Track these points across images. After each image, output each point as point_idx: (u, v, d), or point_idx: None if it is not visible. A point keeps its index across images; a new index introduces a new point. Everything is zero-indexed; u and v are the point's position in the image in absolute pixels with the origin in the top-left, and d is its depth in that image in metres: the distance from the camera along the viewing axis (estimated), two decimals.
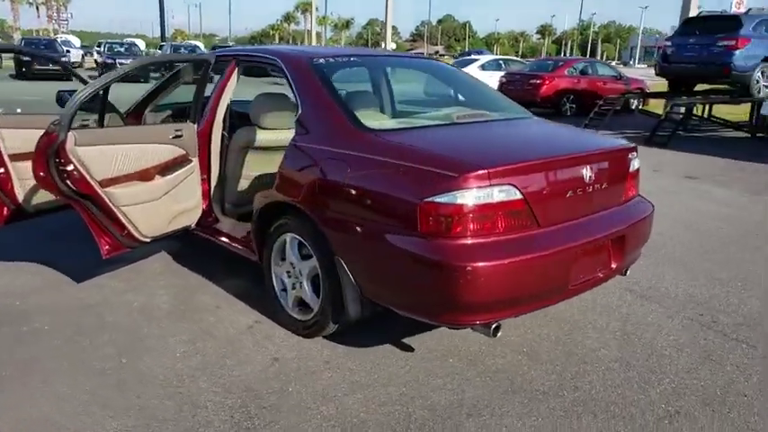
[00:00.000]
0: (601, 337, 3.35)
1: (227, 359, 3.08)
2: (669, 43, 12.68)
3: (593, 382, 2.90)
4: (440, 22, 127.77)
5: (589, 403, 2.73)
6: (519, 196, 2.60)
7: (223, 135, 3.98)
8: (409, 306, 2.77)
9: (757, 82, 11.82)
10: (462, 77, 4.42)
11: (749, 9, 13.42)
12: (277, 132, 4.08)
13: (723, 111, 13.70)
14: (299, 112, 3.26)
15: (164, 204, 3.62)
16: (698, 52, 11.90)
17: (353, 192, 2.81)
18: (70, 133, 3.04)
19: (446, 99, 4.27)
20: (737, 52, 11.41)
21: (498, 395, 2.77)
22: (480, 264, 2.48)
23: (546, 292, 2.73)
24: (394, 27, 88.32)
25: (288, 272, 3.31)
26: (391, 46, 40.23)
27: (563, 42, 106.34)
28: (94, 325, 3.39)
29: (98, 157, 3.20)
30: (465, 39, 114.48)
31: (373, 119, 3.15)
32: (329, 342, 3.22)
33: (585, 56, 75.30)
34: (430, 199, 2.54)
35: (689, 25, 12.63)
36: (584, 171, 2.86)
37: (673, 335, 3.40)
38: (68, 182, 3.13)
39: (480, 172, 2.53)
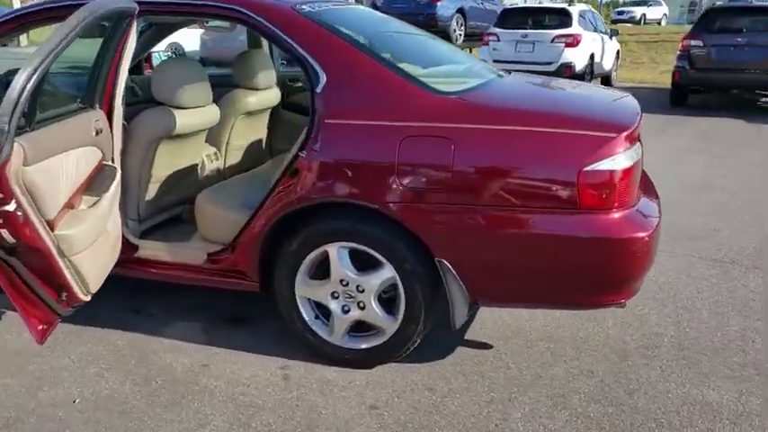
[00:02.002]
0: None
1: None
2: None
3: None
4: None
5: None
6: (635, 160, 2.36)
7: (123, 125, 2.78)
8: (541, 296, 2.36)
9: (454, 31, 13.41)
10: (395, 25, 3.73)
11: None
12: (201, 113, 3.03)
13: None
14: (323, 80, 2.41)
15: (107, 238, 2.40)
16: (407, 4, 12.92)
17: (468, 175, 2.23)
18: (16, 144, 1.73)
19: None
20: (439, 5, 12.77)
21: None
22: (643, 235, 2.22)
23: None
24: None
25: (334, 293, 2.51)
26: None
27: None
28: None
29: (46, 180, 1.91)
30: None
31: (433, 79, 2.51)
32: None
33: None
34: (592, 167, 2.15)
35: None
36: None
37: None
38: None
39: (629, 131, 2.25)
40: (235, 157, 3.68)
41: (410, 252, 2.36)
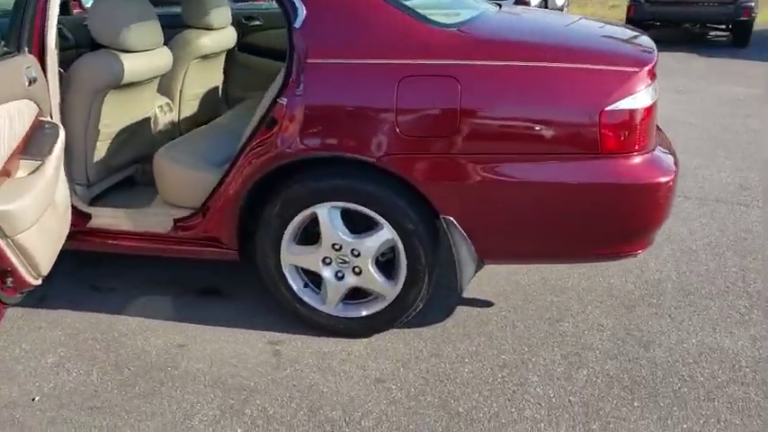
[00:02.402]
0: None
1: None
2: None
3: None
4: None
5: None
6: (655, 99, 2.15)
7: (60, 73, 2.37)
8: (556, 251, 2.17)
9: None
10: None
11: None
12: (151, 57, 2.65)
13: None
14: (302, 14, 2.08)
15: (55, 210, 2.04)
16: None
17: (477, 120, 1.98)
18: None
19: None
20: None
21: None
22: (666, 179, 2.04)
23: None
24: None
25: (325, 259, 2.24)
26: None
27: None
28: None
29: None
30: None
31: (425, 9, 2.19)
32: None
33: None
34: (614, 105, 1.93)
35: None
36: None
37: None
38: None
39: (650, 66, 2.03)
40: (190, 108, 3.30)
41: (412, 210, 2.11)
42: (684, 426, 1.93)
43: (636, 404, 2.02)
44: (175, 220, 2.43)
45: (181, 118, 3.22)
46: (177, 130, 3.16)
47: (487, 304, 2.58)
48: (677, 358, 2.23)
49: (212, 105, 3.45)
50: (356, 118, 2.05)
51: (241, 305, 2.57)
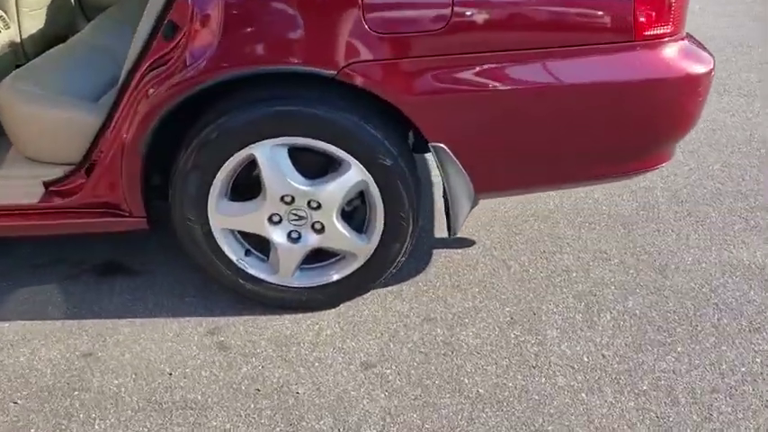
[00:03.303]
0: None
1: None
2: None
3: None
4: None
5: None
6: None
7: None
8: (572, 171, 1.71)
9: None
10: None
11: None
12: None
13: None
14: None
15: None
16: None
17: (477, 6, 1.42)
18: None
19: None
20: None
21: None
22: (707, 70, 1.61)
23: None
24: None
25: (272, 216, 1.67)
26: None
27: None
28: None
29: None
30: None
31: None
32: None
33: None
34: None
35: None
36: None
37: None
38: None
39: None
40: (34, 22, 2.45)
41: (389, 140, 1.57)
42: (743, 369, 1.61)
43: (679, 349, 1.67)
44: (46, 184, 1.74)
45: (24, 37, 2.38)
46: (20, 53, 2.34)
47: (467, 242, 2.13)
48: (701, 282, 1.91)
49: (65, 17, 2.61)
50: (306, 13, 1.43)
51: (159, 284, 1.95)
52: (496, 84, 1.48)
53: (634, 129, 1.59)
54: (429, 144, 1.56)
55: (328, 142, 1.56)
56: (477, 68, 1.46)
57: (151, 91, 1.55)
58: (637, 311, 1.80)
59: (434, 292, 1.90)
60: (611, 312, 1.80)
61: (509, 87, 1.49)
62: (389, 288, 1.90)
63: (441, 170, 1.60)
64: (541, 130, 1.57)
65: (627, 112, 1.56)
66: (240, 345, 1.72)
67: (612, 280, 1.93)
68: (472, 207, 1.73)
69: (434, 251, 2.09)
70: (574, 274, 1.96)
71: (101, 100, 1.89)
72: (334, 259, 1.79)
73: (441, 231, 2.18)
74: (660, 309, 1.81)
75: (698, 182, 2.44)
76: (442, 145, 1.55)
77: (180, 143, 1.63)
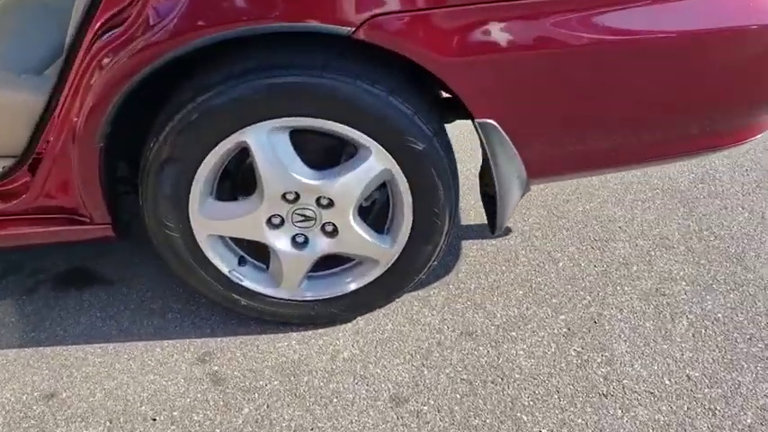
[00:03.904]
0: None
1: None
2: None
3: None
4: None
5: None
6: None
7: None
8: (650, 148, 1.35)
9: None
10: None
11: None
12: None
13: None
14: None
15: None
16: None
17: None
18: None
19: None
20: None
21: None
22: None
23: None
24: None
25: (272, 218, 1.32)
26: None
27: None
28: None
29: None
30: None
31: None
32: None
33: None
34: None
35: None
36: None
37: None
38: None
39: None
40: None
41: (422, 116, 1.21)
42: None
43: None
44: None
45: None
46: None
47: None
48: None
49: None
50: None
51: (135, 297, 1.61)
52: (572, 35, 1.11)
53: (738, 88, 1.24)
54: (475, 121, 1.20)
55: (341, 122, 1.20)
56: (545, 18, 1.10)
57: (106, 61, 1.18)
58: (719, 315, 1.49)
59: (469, 297, 1.57)
60: (687, 317, 1.48)
61: (590, 39, 1.12)
62: (414, 293, 1.57)
63: (487, 153, 1.24)
64: (628, 95, 1.21)
65: (739, 66, 1.20)
66: (239, 376, 1.38)
67: (682, 274, 1.61)
68: (522, 196, 1.39)
69: (463, 243, 1.75)
70: (634, 268, 1.63)
71: (46, 72, 1.51)
72: (348, 264, 1.45)
73: (467, 217, 1.85)
74: (747, 310, 1.49)
75: (761, 145, 2.10)
76: (491, 121, 1.19)
77: (154, 129, 1.26)
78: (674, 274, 1.61)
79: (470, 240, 1.76)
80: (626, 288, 1.57)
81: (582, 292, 1.57)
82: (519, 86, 1.18)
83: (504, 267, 1.66)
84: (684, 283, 1.58)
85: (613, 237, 1.75)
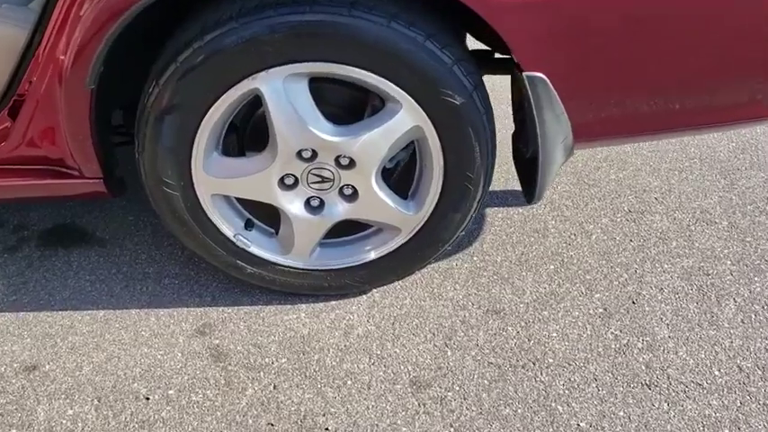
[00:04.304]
0: None
1: None
2: None
3: None
4: None
5: None
6: None
7: None
8: (702, 112, 1.20)
9: None
10: None
11: None
12: None
13: None
14: None
15: None
16: None
17: None
18: None
19: None
20: None
21: None
22: None
23: None
24: None
25: (284, 178, 1.16)
26: None
27: None
28: None
29: None
30: None
31: None
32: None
33: None
34: None
35: None
36: None
37: None
38: None
39: None
40: None
41: (463, 66, 1.05)
42: None
43: None
44: None
45: None
46: None
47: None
48: None
49: None
50: None
51: (128, 259, 1.47)
52: None
53: None
54: (523, 74, 1.04)
55: (369, 70, 1.04)
56: None
57: None
58: None
59: (495, 271, 1.43)
60: (734, 300, 1.36)
61: None
62: (434, 265, 1.44)
63: (533, 112, 1.09)
64: (687, 56, 1.05)
65: None
66: (242, 352, 1.25)
67: (726, 252, 1.48)
68: (564, 162, 1.24)
69: (487, 210, 1.61)
70: (674, 244, 1.50)
71: (31, 4, 1.33)
72: (366, 231, 1.30)
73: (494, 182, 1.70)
74: None
75: None
76: (541, 75, 1.04)
77: (154, 72, 1.10)
78: (717, 251, 1.48)
79: (495, 208, 1.62)
80: (665, 266, 1.44)
81: (618, 269, 1.44)
82: (576, 38, 1.02)
83: (532, 239, 1.52)
84: (729, 263, 1.45)
85: (649, 208, 1.61)
